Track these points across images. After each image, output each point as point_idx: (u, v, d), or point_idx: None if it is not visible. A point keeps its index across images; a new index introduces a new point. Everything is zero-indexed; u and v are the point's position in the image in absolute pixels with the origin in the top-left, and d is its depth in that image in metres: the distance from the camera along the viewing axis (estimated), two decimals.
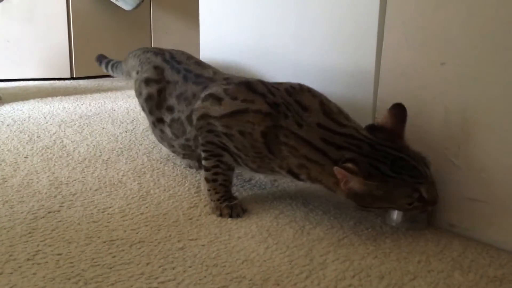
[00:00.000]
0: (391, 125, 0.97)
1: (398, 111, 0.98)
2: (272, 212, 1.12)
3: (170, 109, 1.22)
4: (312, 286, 0.83)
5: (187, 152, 1.27)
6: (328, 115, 1.00)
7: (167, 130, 1.25)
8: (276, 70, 1.39)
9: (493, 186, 0.95)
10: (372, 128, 0.99)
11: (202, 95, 1.13)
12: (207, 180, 1.14)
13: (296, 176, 1.03)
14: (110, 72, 1.79)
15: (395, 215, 1.05)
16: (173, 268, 0.87)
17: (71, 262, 0.88)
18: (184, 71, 1.24)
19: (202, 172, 1.16)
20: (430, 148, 1.03)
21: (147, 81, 1.29)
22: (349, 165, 0.91)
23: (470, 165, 0.98)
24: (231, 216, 1.08)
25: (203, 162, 1.15)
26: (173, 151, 1.33)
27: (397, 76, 1.08)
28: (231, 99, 1.07)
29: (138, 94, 1.34)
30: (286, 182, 1.31)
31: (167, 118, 1.23)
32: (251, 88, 1.08)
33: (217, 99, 1.09)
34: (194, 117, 1.13)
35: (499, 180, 0.94)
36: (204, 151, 1.14)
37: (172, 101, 1.22)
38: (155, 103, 1.26)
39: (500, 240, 0.96)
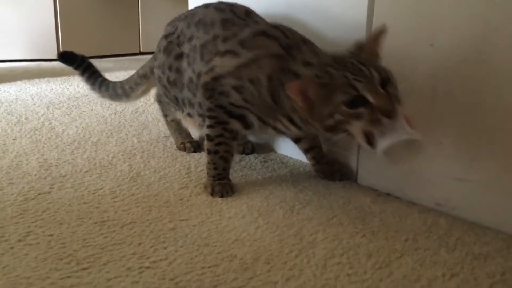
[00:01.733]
0: (369, 45, 0.96)
1: (378, 33, 0.96)
2: (262, 192, 1.13)
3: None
4: (302, 264, 0.84)
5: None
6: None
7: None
8: None
9: (480, 166, 0.97)
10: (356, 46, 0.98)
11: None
12: (208, 151, 1.14)
13: (293, 123, 1.04)
14: (89, 86, 1.62)
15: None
16: (165, 248, 0.88)
17: (63, 243, 0.88)
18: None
19: (205, 142, 1.16)
20: (419, 127, 1.04)
21: None
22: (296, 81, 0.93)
23: (456, 145, 0.99)
24: (222, 195, 1.09)
25: (207, 131, 1.14)
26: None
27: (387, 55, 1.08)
28: (247, 51, 1.08)
29: None
30: (277, 163, 1.32)
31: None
32: (266, 35, 1.08)
33: (234, 53, 1.10)
34: (203, 81, 1.14)
35: (485, 160, 0.96)
36: (209, 117, 1.13)
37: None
38: None
39: (486, 218, 0.98)
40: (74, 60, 1.54)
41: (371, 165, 1.16)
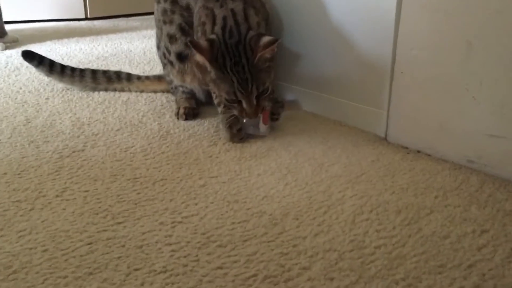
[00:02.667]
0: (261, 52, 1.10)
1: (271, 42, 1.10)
2: (291, 150, 1.14)
3: None
4: (331, 220, 0.85)
5: None
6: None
7: None
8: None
9: None
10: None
11: None
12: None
13: None
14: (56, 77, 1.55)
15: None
16: (196, 204, 0.90)
17: (98, 198, 0.91)
18: None
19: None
20: (451, 83, 1.02)
21: None
22: (203, 42, 1.11)
23: (491, 101, 0.97)
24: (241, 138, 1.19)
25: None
26: None
27: (419, 9, 1.05)
28: None
29: None
30: (306, 121, 1.32)
31: None
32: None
33: None
34: None
35: None
36: None
37: None
38: None
39: None
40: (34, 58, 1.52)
41: (401, 122, 1.15)
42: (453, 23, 0.99)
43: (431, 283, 0.69)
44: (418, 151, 1.12)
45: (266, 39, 1.09)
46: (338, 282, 0.69)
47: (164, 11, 1.33)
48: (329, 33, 1.28)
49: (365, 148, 1.14)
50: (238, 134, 1.19)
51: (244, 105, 1.12)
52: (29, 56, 1.51)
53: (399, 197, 0.93)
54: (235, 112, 1.16)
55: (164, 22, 1.34)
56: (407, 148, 1.14)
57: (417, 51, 1.07)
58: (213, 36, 1.13)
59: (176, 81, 1.38)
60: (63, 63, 1.88)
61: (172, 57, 1.35)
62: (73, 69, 1.52)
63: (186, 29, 1.31)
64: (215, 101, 1.26)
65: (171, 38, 1.34)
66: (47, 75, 1.52)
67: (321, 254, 0.76)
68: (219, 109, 1.24)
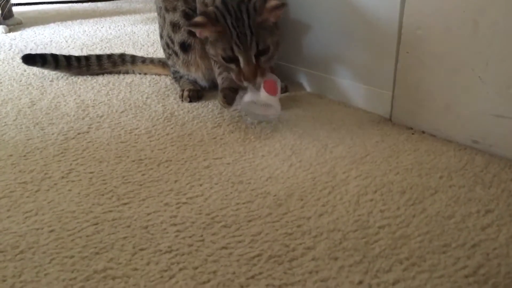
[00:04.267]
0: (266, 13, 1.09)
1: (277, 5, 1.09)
2: (295, 131, 1.13)
3: None
4: (335, 201, 0.85)
5: None
6: None
7: None
8: None
9: None
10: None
11: None
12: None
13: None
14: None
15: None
16: (200, 185, 0.91)
17: (104, 180, 0.92)
18: None
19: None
20: (456, 64, 1.01)
21: None
22: (198, 18, 1.09)
23: (497, 81, 0.96)
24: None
25: None
26: None
27: None
28: None
29: None
30: (309, 102, 1.31)
31: None
32: None
33: None
34: None
35: None
36: None
37: None
38: None
39: None
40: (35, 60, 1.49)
41: (406, 103, 1.14)
42: (459, 2, 0.98)
43: (435, 262, 0.69)
44: (423, 132, 1.11)
45: (273, 2, 1.07)
46: (342, 262, 0.70)
47: None
48: (333, 13, 1.27)
49: (370, 129, 1.14)
50: (231, 95, 1.17)
51: (242, 63, 1.08)
52: (30, 59, 1.47)
53: (404, 177, 0.93)
54: (233, 76, 1.12)
55: (167, 10, 1.32)
56: (411, 128, 1.13)
57: (422, 31, 1.06)
58: (210, 9, 1.11)
59: (182, 71, 1.37)
60: (67, 45, 1.87)
61: (176, 47, 1.33)
62: (78, 59, 1.51)
63: (190, 14, 1.27)
64: (216, 73, 1.25)
65: (174, 26, 1.31)
66: (54, 70, 1.51)
67: (325, 234, 0.76)
68: (219, 80, 1.23)
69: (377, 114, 1.22)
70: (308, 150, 1.04)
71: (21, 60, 1.46)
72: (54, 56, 1.48)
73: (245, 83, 1.11)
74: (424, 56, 1.07)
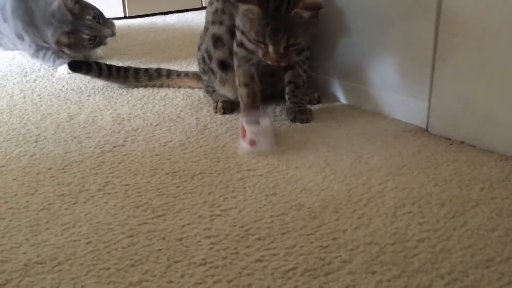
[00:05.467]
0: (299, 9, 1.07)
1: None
2: (329, 142, 1.12)
3: None
4: (371, 213, 0.83)
5: None
6: None
7: None
8: None
9: None
10: None
11: None
12: None
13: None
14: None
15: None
16: (234, 197, 0.90)
17: (139, 192, 0.93)
18: None
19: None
20: (496, 71, 0.97)
21: None
22: None
23: None
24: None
25: None
26: None
27: None
28: None
29: None
30: (343, 113, 1.30)
31: None
32: None
33: None
34: None
35: None
36: None
37: None
38: None
39: None
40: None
41: (443, 113, 1.11)
42: (498, 8, 0.95)
43: (478, 277, 0.67)
44: (462, 142, 1.08)
45: (310, 0, 1.07)
46: (380, 276, 0.68)
47: (216, 11, 1.28)
48: (367, 21, 1.25)
49: (406, 140, 1.11)
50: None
51: (270, 49, 1.10)
52: (77, 66, 1.54)
53: (443, 189, 0.90)
54: (259, 54, 1.14)
55: (213, 22, 1.29)
56: (450, 139, 1.10)
57: (459, 39, 1.03)
58: None
59: (218, 89, 1.36)
60: (103, 61, 1.92)
61: (213, 65, 1.31)
62: (118, 70, 1.55)
63: (234, 32, 1.24)
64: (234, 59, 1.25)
65: (217, 40, 1.28)
66: (97, 78, 1.58)
67: (362, 248, 0.74)
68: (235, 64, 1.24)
69: (413, 124, 1.19)
70: (343, 162, 1.03)
71: (67, 67, 1.55)
72: (98, 64, 1.54)
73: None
74: (461, 64, 1.04)
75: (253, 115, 1.13)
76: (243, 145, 1.09)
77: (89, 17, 1.77)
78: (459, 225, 0.79)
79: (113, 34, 1.85)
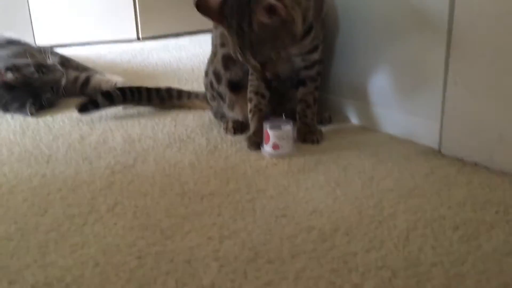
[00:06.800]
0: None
1: None
2: (340, 163, 1.11)
3: None
4: (383, 236, 0.82)
5: None
6: None
7: None
8: None
9: None
10: None
11: None
12: None
13: None
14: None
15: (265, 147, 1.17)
16: (243, 219, 0.89)
17: (148, 213, 0.92)
18: None
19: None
20: (509, 92, 0.96)
21: None
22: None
23: None
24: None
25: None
26: None
27: (472, 14, 1.00)
28: None
29: None
30: (354, 134, 1.29)
31: None
32: None
33: None
34: None
35: None
36: None
37: None
38: None
39: None
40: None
41: (456, 134, 1.10)
42: (510, 28, 0.94)
43: None
44: (475, 164, 1.06)
45: (265, 3, 0.98)
46: None
47: (223, 34, 1.25)
48: (378, 41, 1.25)
49: (418, 161, 1.10)
50: (256, 140, 1.20)
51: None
52: (85, 108, 1.46)
53: (456, 212, 0.88)
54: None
55: (222, 45, 1.27)
56: (463, 160, 1.09)
57: (471, 60, 1.03)
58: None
59: (227, 113, 1.35)
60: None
61: (222, 88, 1.31)
62: (132, 93, 1.52)
63: None
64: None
65: (228, 61, 1.27)
66: (111, 107, 1.52)
67: (374, 272, 0.73)
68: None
69: (425, 145, 1.18)
70: (354, 183, 1.01)
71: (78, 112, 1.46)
72: (109, 95, 1.49)
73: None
74: (473, 85, 1.03)
75: (276, 121, 1.20)
76: (267, 149, 1.16)
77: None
78: (473, 249, 0.77)
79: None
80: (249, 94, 1.25)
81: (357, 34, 1.30)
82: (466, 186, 0.97)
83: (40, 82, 1.61)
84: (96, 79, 1.80)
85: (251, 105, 1.25)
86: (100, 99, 1.48)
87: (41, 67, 1.63)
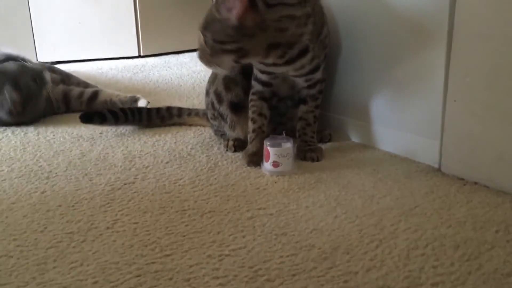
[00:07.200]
0: None
1: None
2: (340, 181, 1.11)
3: None
4: (383, 255, 0.81)
5: None
6: None
7: None
8: None
9: None
10: None
11: None
12: None
13: None
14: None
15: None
16: (243, 237, 0.89)
17: (147, 230, 0.92)
18: None
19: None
20: (508, 111, 0.97)
21: None
22: None
23: None
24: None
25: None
26: None
27: (471, 35, 1.01)
28: None
29: None
30: (354, 152, 1.29)
31: None
32: None
33: None
34: None
35: None
36: None
37: None
38: None
39: None
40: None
41: (456, 152, 1.10)
42: (508, 51, 0.95)
43: None
44: (476, 183, 1.06)
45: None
46: None
47: None
48: (378, 60, 1.26)
49: (418, 179, 1.10)
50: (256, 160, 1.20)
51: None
52: (89, 118, 1.46)
53: (457, 231, 0.88)
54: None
55: None
56: (463, 179, 1.09)
57: (471, 78, 1.03)
58: None
59: (228, 133, 1.36)
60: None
61: (223, 109, 1.31)
62: (132, 113, 1.53)
63: (249, 72, 1.25)
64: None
65: (229, 82, 1.28)
66: (115, 125, 1.53)
67: None
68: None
69: (425, 163, 1.18)
70: (354, 201, 1.01)
71: (81, 121, 1.46)
72: (114, 113, 1.49)
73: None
74: (473, 104, 1.04)
75: (277, 138, 1.20)
76: (267, 166, 1.16)
77: None
78: (474, 268, 0.76)
79: None
80: (252, 115, 1.25)
81: (357, 53, 1.32)
82: (466, 205, 0.97)
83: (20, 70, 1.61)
84: (105, 93, 1.81)
85: (255, 125, 1.24)
86: (108, 115, 1.48)
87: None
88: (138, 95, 1.81)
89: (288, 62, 1.14)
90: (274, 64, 1.15)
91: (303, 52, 1.14)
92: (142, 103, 1.75)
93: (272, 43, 1.09)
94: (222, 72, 1.23)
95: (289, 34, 1.10)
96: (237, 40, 1.07)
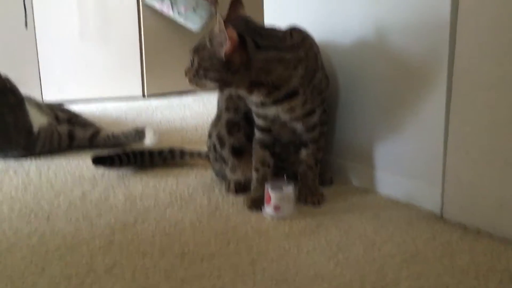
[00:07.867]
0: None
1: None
2: (341, 226, 1.11)
3: None
4: None
5: None
6: None
7: None
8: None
9: None
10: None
11: None
12: None
13: None
14: None
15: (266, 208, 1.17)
16: (244, 282, 0.88)
17: (146, 274, 0.91)
18: None
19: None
20: (509, 159, 0.97)
21: None
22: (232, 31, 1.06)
23: None
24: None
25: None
26: None
27: (471, 85, 1.03)
28: None
29: None
30: (356, 196, 1.29)
31: None
32: None
33: None
34: None
35: None
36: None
37: None
38: None
39: None
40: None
41: (457, 199, 1.10)
42: (507, 98, 0.97)
43: None
44: (478, 230, 1.06)
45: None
46: None
47: (230, 97, 1.30)
48: (378, 105, 1.28)
49: (420, 226, 1.09)
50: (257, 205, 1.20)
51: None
52: (100, 161, 1.50)
53: (460, 280, 0.87)
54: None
55: (227, 109, 1.31)
56: (465, 226, 1.08)
57: (470, 127, 1.05)
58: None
59: (229, 176, 1.36)
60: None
61: (225, 152, 1.32)
62: (135, 156, 1.55)
63: (251, 117, 1.26)
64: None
65: (232, 126, 1.30)
66: (120, 168, 1.55)
67: None
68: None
69: (427, 209, 1.18)
70: (355, 247, 1.00)
71: (92, 163, 1.48)
72: (119, 157, 1.51)
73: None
74: (473, 151, 1.05)
75: (277, 182, 1.20)
76: (268, 210, 1.17)
77: None
78: None
79: None
80: (256, 164, 1.26)
81: (358, 98, 1.33)
82: (468, 253, 0.96)
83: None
84: (107, 130, 1.87)
85: (258, 175, 1.25)
86: (116, 159, 1.50)
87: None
88: (143, 127, 1.84)
89: (275, 102, 1.16)
90: (263, 104, 1.17)
91: (291, 94, 1.15)
92: (148, 138, 1.78)
93: (254, 81, 1.12)
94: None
95: (274, 75, 1.12)
96: (221, 72, 1.10)
